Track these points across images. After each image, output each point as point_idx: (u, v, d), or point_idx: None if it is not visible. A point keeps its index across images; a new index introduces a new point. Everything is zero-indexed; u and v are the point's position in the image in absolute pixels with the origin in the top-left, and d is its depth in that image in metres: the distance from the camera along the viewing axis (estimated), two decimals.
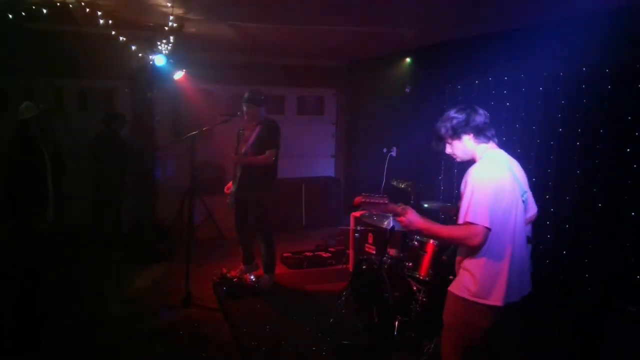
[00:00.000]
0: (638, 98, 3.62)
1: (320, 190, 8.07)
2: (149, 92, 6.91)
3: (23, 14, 4.41)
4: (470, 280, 2.38)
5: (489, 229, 2.25)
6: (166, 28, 4.88)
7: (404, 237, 4.44)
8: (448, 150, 2.58)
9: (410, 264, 3.92)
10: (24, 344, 3.81)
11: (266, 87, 7.71)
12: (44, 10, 4.35)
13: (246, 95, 4.86)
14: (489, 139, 2.50)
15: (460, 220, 2.32)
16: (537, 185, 4.37)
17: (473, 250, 2.35)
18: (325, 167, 8.65)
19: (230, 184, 5.15)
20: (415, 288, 3.91)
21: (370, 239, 5.27)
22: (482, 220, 2.24)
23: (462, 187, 2.40)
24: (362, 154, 7.92)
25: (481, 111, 2.50)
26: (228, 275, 5.14)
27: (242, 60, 7.34)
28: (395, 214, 2.57)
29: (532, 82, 4.49)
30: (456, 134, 2.48)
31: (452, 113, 2.50)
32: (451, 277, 3.72)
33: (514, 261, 2.36)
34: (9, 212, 3.85)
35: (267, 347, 3.85)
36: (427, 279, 3.79)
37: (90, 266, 5.62)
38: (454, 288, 2.48)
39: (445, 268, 3.78)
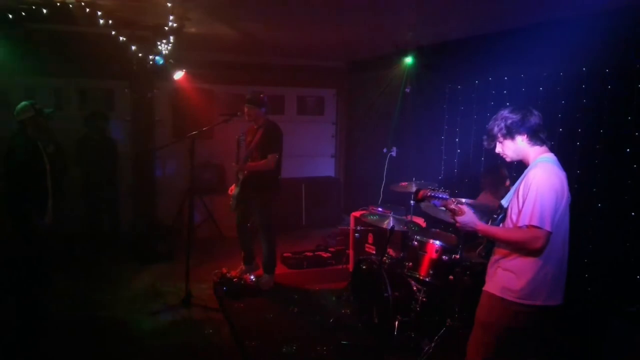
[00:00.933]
0: (638, 98, 3.62)
1: (320, 190, 8.07)
2: (149, 92, 6.90)
3: (23, 14, 4.41)
4: (514, 281, 2.38)
5: (550, 233, 2.28)
6: (166, 28, 4.88)
7: (404, 237, 4.45)
8: (498, 149, 2.58)
9: (410, 264, 3.92)
10: (24, 344, 3.82)
11: (266, 87, 7.73)
12: (44, 10, 4.35)
13: (248, 96, 4.91)
14: (543, 141, 2.49)
15: (522, 223, 2.32)
16: None
17: (522, 252, 2.35)
18: (325, 167, 8.65)
19: (233, 186, 5.19)
20: (415, 288, 3.91)
21: (370, 239, 5.27)
22: (546, 224, 2.26)
23: (521, 189, 2.40)
24: (362, 154, 7.91)
25: (536, 112, 2.50)
26: (228, 275, 5.14)
27: (242, 60, 7.34)
28: (452, 212, 2.58)
29: (532, 82, 4.49)
30: (510, 133, 2.48)
31: (506, 112, 2.50)
32: (451, 277, 3.76)
33: (562, 266, 2.40)
34: (9, 213, 3.85)
35: (267, 347, 3.85)
36: (427, 279, 3.80)
37: (90, 266, 5.62)
38: (492, 288, 2.47)
39: (445, 268, 3.79)
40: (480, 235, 2.52)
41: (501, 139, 2.53)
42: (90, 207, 6.20)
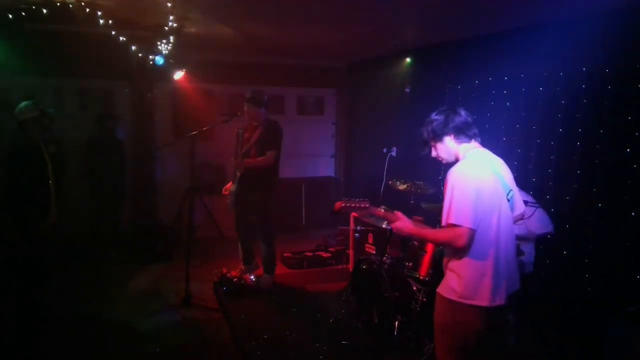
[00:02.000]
0: (638, 98, 3.63)
1: (320, 190, 8.07)
2: (149, 92, 6.90)
3: (23, 14, 4.41)
4: (456, 281, 2.37)
5: (473, 230, 2.25)
6: (166, 28, 4.87)
7: (404, 237, 4.44)
8: (433, 153, 2.61)
9: (410, 264, 3.92)
10: (24, 344, 3.82)
11: (266, 87, 7.71)
12: (44, 10, 4.35)
13: (248, 95, 4.88)
14: (470, 138, 2.49)
15: (444, 222, 2.32)
16: (537, 185, 4.37)
17: (458, 251, 2.35)
18: (325, 167, 8.64)
19: (229, 185, 5.16)
20: (415, 288, 3.91)
21: (370, 239, 5.27)
22: (465, 221, 2.24)
23: (444, 187, 2.41)
24: (362, 154, 7.91)
25: (462, 111, 2.52)
26: (228, 275, 5.14)
27: (242, 60, 7.34)
28: (386, 218, 2.61)
29: (532, 82, 4.49)
30: (437, 135, 2.51)
31: (432, 116, 2.55)
32: None
33: (499, 261, 2.35)
34: (10, 213, 3.85)
35: (267, 347, 3.85)
36: (427, 279, 3.80)
37: (90, 266, 5.62)
38: (441, 289, 2.47)
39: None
40: (412, 236, 2.55)
41: (432, 142, 2.57)
42: (95, 208, 6.21)
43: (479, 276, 2.32)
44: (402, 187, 4.67)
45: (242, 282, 5.05)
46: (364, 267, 4.24)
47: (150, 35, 5.38)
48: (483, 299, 2.32)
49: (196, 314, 4.47)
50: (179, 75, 5.99)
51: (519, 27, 4.62)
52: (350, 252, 5.66)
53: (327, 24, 5.07)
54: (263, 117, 4.93)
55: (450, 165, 2.53)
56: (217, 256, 6.07)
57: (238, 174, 4.96)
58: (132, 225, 6.82)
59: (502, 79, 4.82)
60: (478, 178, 2.33)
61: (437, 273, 3.77)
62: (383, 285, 3.82)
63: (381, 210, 2.67)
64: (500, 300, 2.34)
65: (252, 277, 5.21)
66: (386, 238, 4.20)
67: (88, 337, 4.00)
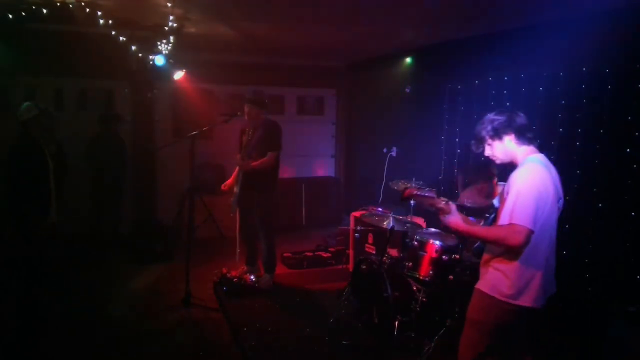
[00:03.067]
0: (638, 98, 3.62)
1: (320, 190, 8.07)
2: (149, 92, 6.91)
3: (23, 14, 4.41)
4: (503, 281, 2.40)
5: (532, 231, 2.28)
6: (166, 28, 4.87)
7: (404, 237, 4.44)
8: (488, 151, 2.60)
9: (410, 264, 3.92)
10: (24, 344, 3.82)
11: (266, 87, 7.72)
12: (44, 10, 4.35)
13: (248, 95, 4.90)
14: (530, 141, 2.50)
15: (502, 222, 2.34)
16: None
17: (509, 252, 2.37)
18: (325, 167, 8.65)
19: (229, 181, 5.19)
20: (415, 288, 3.91)
21: (370, 239, 5.27)
22: (526, 222, 2.27)
23: (506, 190, 2.42)
24: (362, 154, 7.91)
25: (521, 114, 2.52)
26: (228, 275, 5.14)
27: (242, 60, 7.34)
28: (441, 211, 2.63)
29: (532, 82, 4.49)
30: (497, 134, 2.50)
31: (492, 115, 2.54)
32: (451, 277, 3.76)
33: (547, 269, 2.42)
34: (10, 213, 3.85)
35: (267, 347, 3.85)
36: (427, 279, 3.79)
37: (90, 266, 5.62)
38: (483, 286, 2.49)
39: (445, 268, 3.79)
40: (462, 232, 2.55)
41: (489, 140, 2.56)
42: (96, 208, 6.21)
43: (528, 279, 2.38)
44: (402, 187, 4.67)
45: (242, 282, 5.05)
46: (364, 267, 4.24)
47: (150, 35, 5.38)
48: (528, 300, 2.37)
49: (196, 314, 4.47)
50: (179, 75, 5.99)
51: (519, 27, 4.62)
52: (350, 252, 5.67)
53: (327, 24, 5.07)
54: (263, 117, 4.94)
55: (508, 168, 2.56)
56: (217, 256, 6.07)
57: (240, 177, 4.99)
58: (132, 225, 6.82)
59: (502, 79, 4.82)
60: (542, 184, 2.37)
61: (437, 273, 3.78)
62: (383, 285, 3.82)
63: (442, 202, 2.68)
64: (541, 302, 2.42)
65: (252, 277, 5.21)
66: (386, 238, 4.20)
67: (88, 337, 4.00)
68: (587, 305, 3.93)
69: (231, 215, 5.25)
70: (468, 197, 3.98)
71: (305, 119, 8.34)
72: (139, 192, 6.98)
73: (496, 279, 2.43)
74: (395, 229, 4.15)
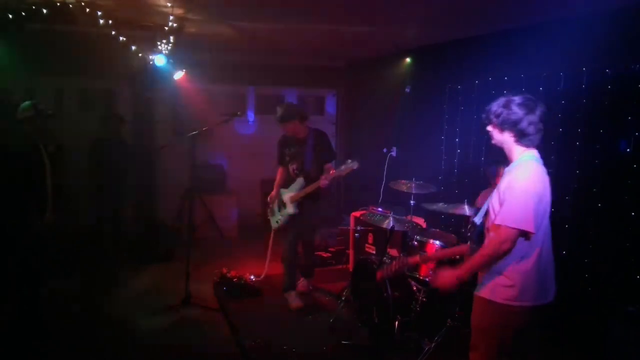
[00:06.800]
0: (638, 98, 3.63)
1: (320, 190, 8.05)
2: (149, 92, 6.90)
3: (23, 14, 4.41)
4: (502, 283, 2.38)
5: (522, 232, 2.27)
6: (166, 28, 4.87)
7: (404, 237, 4.45)
8: (489, 128, 2.53)
9: None
10: (23, 344, 3.82)
11: (266, 87, 7.73)
12: (44, 10, 4.35)
13: (280, 112, 4.52)
14: (530, 143, 2.43)
15: (498, 220, 2.32)
16: None
17: (509, 256, 2.35)
18: None
19: (273, 193, 4.90)
20: (415, 288, 3.91)
21: (370, 239, 5.27)
22: (526, 225, 2.25)
23: (502, 187, 2.39)
24: (362, 154, 7.89)
25: (539, 112, 2.39)
26: (228, 275, 5.14)
27: (242, 60, 7.34)
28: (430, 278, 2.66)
29: (532, 82, 4.48)
30: (501, 125, 2.44)
31: (514, 103, 2.39)
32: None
33: (541, 264, 2.39)
34: (8, 212, 3.85)
35: (267, 347, 3.85)
36: (427, 279, 3.79)
37: (90, 266, 5.61)
38: (483, 293, 2.46)
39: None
40: (467, 277, 2.45)
41: (493, 125, 2.49)
42: (98, 208, 6.21)
43: (526, 277, 2.35)
44: (402, 187, 4.67)
45: (242, 282, 5.05)
46: (364, 267, 4.24)
47: (150, 35, 5.38)
48: (528, 299, 2.36)
49: (196, 314, 4.47)
50: (179, 75, 5.99)
51: (519, 27, 4.62)
52: (350, 252, 5.67)
53: (327, 24, 5.07)
54: (303, 126, 4.63)
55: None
56: (217, 256, 6.07)
57: (299, 191, 4.66)
58: (132, 225, 6.82)
59: (502, 79, 4.82)
60: (540, 185, 2.35)
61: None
62: (383, 285, 3.82)
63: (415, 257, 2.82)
64: (543, 300, 2.41)
65: (252, 277, 5.21)
66: (386, 238, 4.20)
67: (88, 337, 3.99)
68: (587, 305, 3.93)
69: (274, 228, 4.96)
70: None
71: None
72: (139, 192, 6.98)
73: (495, 282, 2.40)
74: (395, 229, 4.15)
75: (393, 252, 4.62)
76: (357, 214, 5.45)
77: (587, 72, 4.00)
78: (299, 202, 4.67)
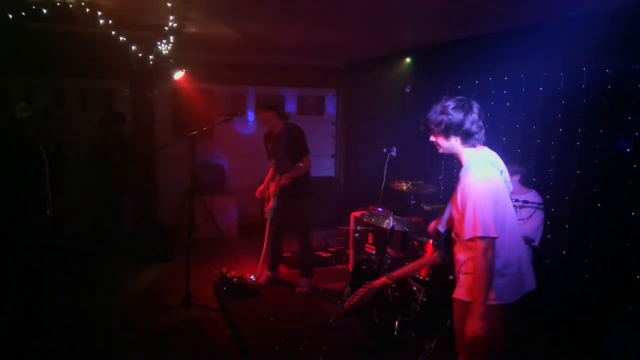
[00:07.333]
0: (638, 98, 3.63)
1: (320, 190, 8.05)
2: (149, 92, 6.91)
3: (23, 14, 4.41)
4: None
5: (495, 238, 2.27)
6: (166, 28, 4.87)
7: (404, 237, 4.45)
8: (432, 139, 2.53)
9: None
10: (22, 344, 3.82)
11: (266, 87, 7.73)
12: (44, 10, 4.35)
13: (260, 101, 4.92)
14: (476, 142, 2.45)
15: (468, 235, 2.30)
16: (537, 185, 4.37)
17: (474, 257, 2.35)
18: (326, 167, 8.64)
19: (261, 187, 5.15)
20: (415, 288, 3.90)
21: (370, 239, 5.27)
22: (492, 231, 2.25)
23: (459, 194, 2.39)
24: (362, 154, 7.91)
25: (476, 109, 2.42)
26: (228, 275, 5.14)
27: (242, 60, 7.34)
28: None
29: (532, 82, 4.49)
30: (445, 132, 2.43)
31: (450, 108, 2.41)
32: (451, 277, 3.75)
33: (513, 259, 2.38)
34: (8, 212, 3.85)
35: (267, 347, 3.85)
36: (427, 279, 3.79)
37: (90, 266, 5.62)
38: (460, 295, 2.44)
39: (445, 268, 3.78)
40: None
41: (436, 134, 2.48)
42: (98, 208, 6.21)
43: (498, 276, 2.34)
44: (402, 187, 4.67)
45: (242, 282, 5.05)
46: (364, 267, 4.24)
47: (150, 35, 5.38)
48: (504, 297, 2.35)
49: (196, 314, 4.47)
50: (179, 75, 5.99)
51: (519, 27, 4.62)
52: (350, 252, 5.66)
53: (327, 24, 5.07)
54: (279, 121, 4.83)
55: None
56: (217, 256, 6.07)
57: (278, 184, 4.87)
58: (132, 225, 6.82)
59: (502, 79, 4.82)
60: (493, 185, 2.35)
61: (437, 273, 3.78)
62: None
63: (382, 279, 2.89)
64: (515, 297, 2.40)
65: (252, 277, 5.21)
66: (386, 238, 4.20)
67: (88, 337, 3.99)
68: (587, 305, 3.94)
69: (267, 217, 5.16)
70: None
71: (305, 119, 8.31)
72: (139, 192, 6.98)
73: (470, 283, 2.38)
74: (395, 229, 4.15)
75: (393, 252, 4.62)
76: (357, 214, 5.45)
77: (587, 72, 4.00)
78: (279, 197, 4.88)
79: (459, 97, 2.46)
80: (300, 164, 4.66)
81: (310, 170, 4.92)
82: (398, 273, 3.13)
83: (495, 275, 2.33)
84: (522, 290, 2.45)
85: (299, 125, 4.96)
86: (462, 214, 2.35)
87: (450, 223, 2.56)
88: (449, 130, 2.42)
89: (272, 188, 4.98)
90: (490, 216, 2.27)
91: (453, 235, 2.52)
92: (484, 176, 2.36)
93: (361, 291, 2.98)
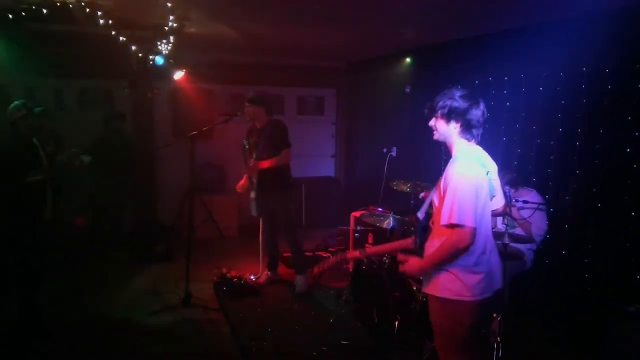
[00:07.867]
0: (638, 98, 3.63)
1: (320, 190, 8.06)
2: (149, 92, 6.91)
3: (23, 14, 4.41)
4: (449, 279, 2.37)
5: (475, 229, 2.27)
6: (166, 28, 4.88)
7: (404, 237, 4.43)
8: (431, 122, 2.54)
9: None
10: (22, 343, 3.82)
11: (266, 87, 7.71)
12: (44, 10, 4.35)
13: (249, 95, 4.88)
14: (472, 137, 2.46)
15: (444, 222, 2.31)
16: (537, 185, 4.37)
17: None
18: (325, 167, 8.65)
19: (242, 182, 5.12)
20: (415, 288, 3.90)
21: (370, 239, 5.27)
22: (469, 221, 2.25)
23: (442, 183, 2.40)
24: (362, 154, 7.91)
25: (482, 106, 2.45)
26: (228, 275, 5.14)
27: (242, 60, 7.34)
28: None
29: (532, 82, 4.49)
30: (447, 115, 2.44)
31: (457, 95, 2.43)
32: None
33: (485, 255, 2.39)
34: (8, 212, 3.85)
35: (267, 347, 3.85)
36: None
37: (90, 266, 5.62)
38: (432, 290, 2.44)
39: None
40: (424, 271, 2.46)
41: (438, 116, 2.49)
42: (98, 208, 6.20)
43: (471, 272, 2.35)
44: (402, 187, 4.67)
45: (242, 282, 5.05)
46: (364, 267, 4.24)
47: (150, 35, 5.38)
48: (476, 294, 2.35)
49: (196, 314, 4.47)
50: (179, 75, 5.99)
51: (519, 27, 4.62)
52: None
53: (327, 24, 5.07)
54: (265, 116, 4.89)
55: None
56: (217, 256, 6.07)
57: (255, 180, 4.91)
58: (132, 225, 6.82)
59: (502, 79, 4.82)
60: (476, 178, 2.35)
61: None
62: (383, 285, 3.82)
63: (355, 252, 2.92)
64: (488, 293, 2.41)
65: (252, 277, 5.21)
66: (386, 238, 4.20)
67: (87, 337, 3.99)
68: (587, 305, 3.94)
69: (253, 215, 5.17)
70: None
71: (305, 119, 8.34)
72: (139, 192, 6.98)
73: (444, 279, 2.38)
74: (395, 229, 4.15)
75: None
76: (357, 214, 5.45)
77: (587, 72, 4.00)
78: (258, 192, 4.93)
79: (469, 90, 2.48)
80: (280, 155, 4.74)
81: (289, 165, 4.94)
82: (371, 250, 3.33)
83: (467, 272, 2.35)
84: (492, 288, 2.45)
85: (282, 120, 5.01)
86: (442, 199, 2.36)
87: (430, 211, 2.56)
88: (452, 114, 2.43)
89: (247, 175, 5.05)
90: (470, 206, 2.27)
91: (430, 223, 2.52)
92: (470, 169, 2.36)
93: (332, 259, 3.06)
